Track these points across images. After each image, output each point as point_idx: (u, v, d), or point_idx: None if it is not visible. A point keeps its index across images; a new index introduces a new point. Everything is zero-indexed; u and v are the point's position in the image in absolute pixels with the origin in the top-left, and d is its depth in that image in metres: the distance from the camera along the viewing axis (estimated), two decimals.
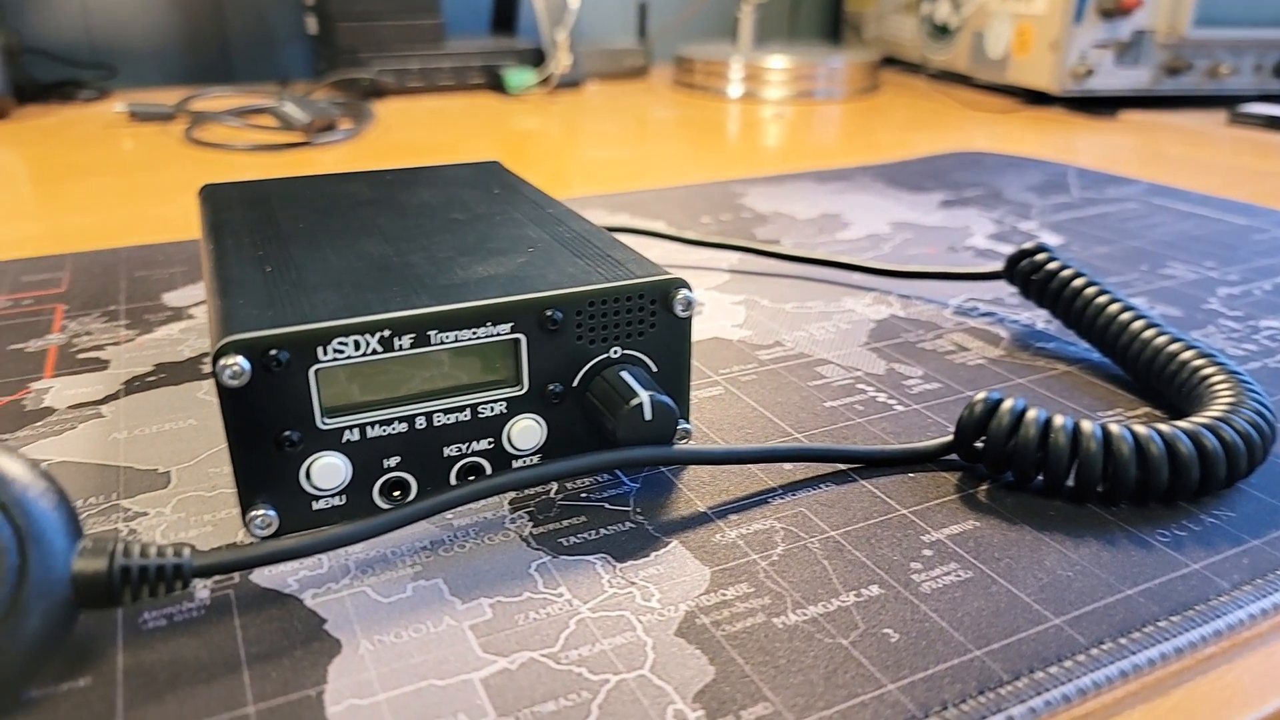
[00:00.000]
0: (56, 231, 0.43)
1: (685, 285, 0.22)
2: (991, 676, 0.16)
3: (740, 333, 0.31)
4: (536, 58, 0.83)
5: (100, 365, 0.28)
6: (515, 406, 0.21)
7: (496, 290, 0.21)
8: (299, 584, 0.19)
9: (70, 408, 0.26)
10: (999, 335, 0.31)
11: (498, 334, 0.21)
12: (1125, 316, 0.28)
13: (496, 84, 0.81)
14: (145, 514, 0.21)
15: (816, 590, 0.19)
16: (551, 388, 0.22)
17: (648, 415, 0.21)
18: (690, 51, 0.86)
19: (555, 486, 0.22)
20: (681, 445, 0.23)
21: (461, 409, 0.21)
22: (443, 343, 0.20)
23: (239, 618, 0.18)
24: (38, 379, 0.27)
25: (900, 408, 0.26)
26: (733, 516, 0.21)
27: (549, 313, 0.21)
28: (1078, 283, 0.30)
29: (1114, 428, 0.22)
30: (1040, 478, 0.22)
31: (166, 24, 0.85)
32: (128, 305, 0.33)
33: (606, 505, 0.22)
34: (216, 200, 0.29)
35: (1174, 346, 0.26)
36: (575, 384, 0.22)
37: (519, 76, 0.79)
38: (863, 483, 0.23)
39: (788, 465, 0.23)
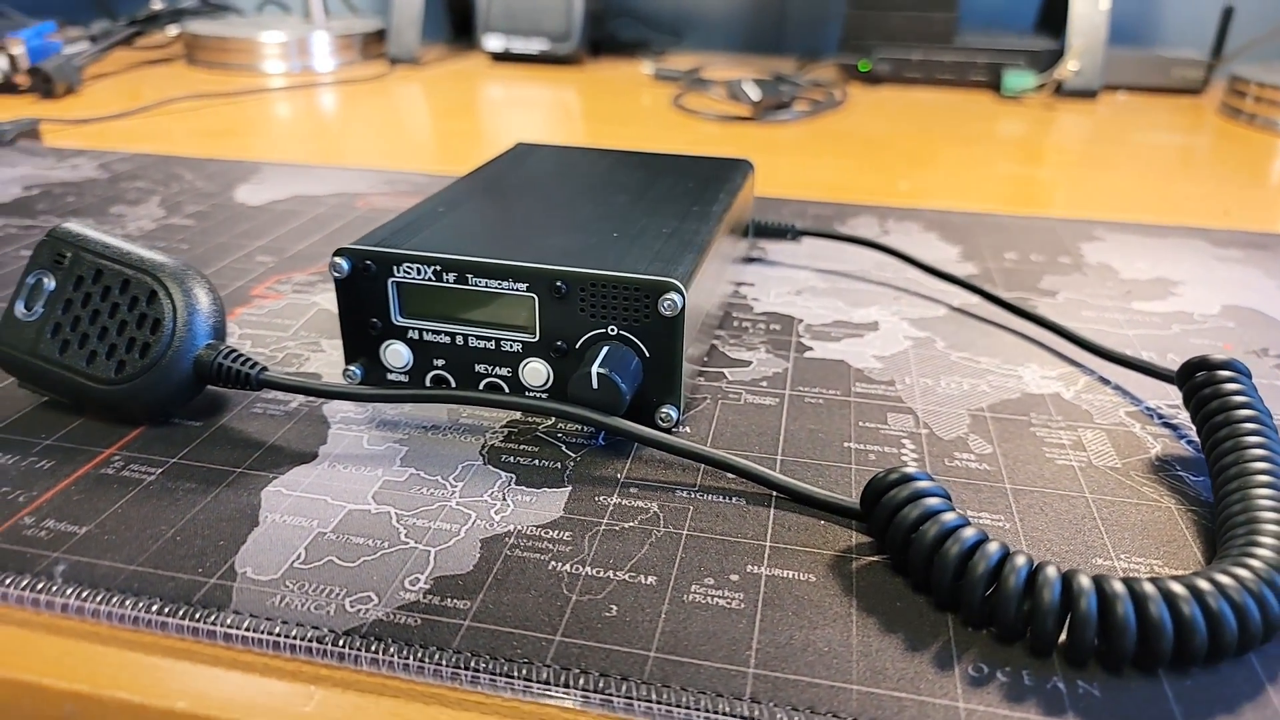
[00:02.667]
0: None
1: (676, 289, 0.25)
2: (636, 672, 0.19)
3: (870, 363, 0.32)
4: (1052, 60, 0.78)
5: None
6: (528, 350, 0.27)
7: (530, 257, 0.27)
8: (339, 419, 0.28)
9: None
10: (1146, 447, 0.27)
11: (517, 290, 0.27)
12: (1254, 465, 0.23)
13: (997, 84, 0.79)
14: (323, 351, 0.32)
15: (609, 560, 0.22)
16: (558, 343, 0.27)
17: (594, 385, 0.25)
18: (1246, 71, 0.73)
19: (550, 421, 0.28)
20: (637, 425, 0.27)
21: (489, 340, 0.27)
22: (476, 285, 0.27)
23: (291, 424, 0.27)
24: None
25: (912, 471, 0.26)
26: (634, 490, 0.25)
27: (558, 284, 0.26)
28: (1239, 413, 0.25)
29: (992, 545, 0.20)
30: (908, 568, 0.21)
31: None
32: None
33: (562, 447, 0.26)
34: (507, 154, 0.38)
35: (1262, 498, 0.21)
36: (578, 346, 0.27)
37: (1017, 79, 0.76)
38: (772, 510, 0.24)
39: (729, 474, 0.25)
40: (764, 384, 0.30)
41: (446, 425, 0.27)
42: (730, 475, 0.25)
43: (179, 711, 0.18)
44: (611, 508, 0.24)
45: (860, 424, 0.28)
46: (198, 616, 0.20)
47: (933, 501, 0.21)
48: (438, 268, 0.27)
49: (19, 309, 0.27)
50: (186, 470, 0.25)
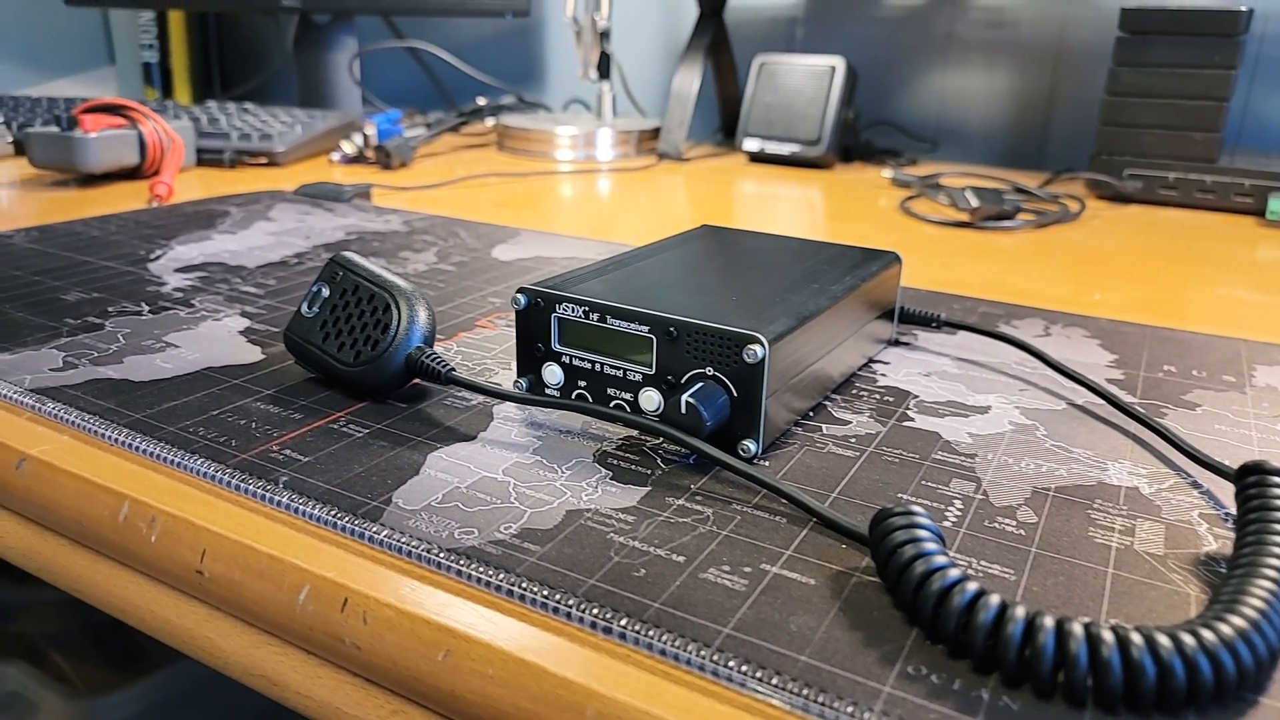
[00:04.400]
0: None
1: (759, 342, 0.31)
2: (638, 613, 0.24)
3: (962, 438, 0.35)
4: None
5: None
6: (645, 380, 0.34)
7: (654, 306, 0.33)
8: (502, 416, 0.36)
9: None
10: (1200, 544, 0.28)
11: (640, 330, 0.33)
12: (1267, 559, 0.24)
13: (1264, 208, 0.75)
14: (510, 370, 0.40)
15: (654, 540, 0.28)
16: (669, 377, 0.33)
17: (683, 410, 0.31)
18: None
19: (658, 441, 0.34)
20: (721, 452, 0.32)
21: (618, 369, 0.34)
22: (611, 325, 0.34)
23: (467, 414, 0.36)
24: None
25: (948, 524, 0.29)
26: (699, 497, 0.30)
27: (671, 329, 0.33)
28: (1274, 514, 0.26)
29: (954, 570, 0.23)
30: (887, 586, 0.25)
31: (1000, 111, 1.00)
32: None
33: (658, 460, 0.33)
34: (690, 231, 0.45)
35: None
36: (683, 381, 0.33)
37: None
38: (805, 531, 0.28)
39: (782, 499, 0.30)
40: (853, 440, 0.35)
41: (578, 432, 0.35)
42: (782, 501, 0.30)
43: (327, 578, 0.26)
44: (675, 506, 0.30)
45: (923, 483, 0.32)
46: (356, 523, 0.28)
47: (920, 533, 0.25)
48: (586, 308, 0.34)
49: (304, 308, 0.38)
50: (384, 434, 0.34)
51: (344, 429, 0.34)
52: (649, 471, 0.32)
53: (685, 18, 1.16)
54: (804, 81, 0.91)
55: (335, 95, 1.13)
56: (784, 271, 0.39)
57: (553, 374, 0.36)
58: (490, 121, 1.06)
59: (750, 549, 0.27)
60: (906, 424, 0.36)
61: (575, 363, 0.35)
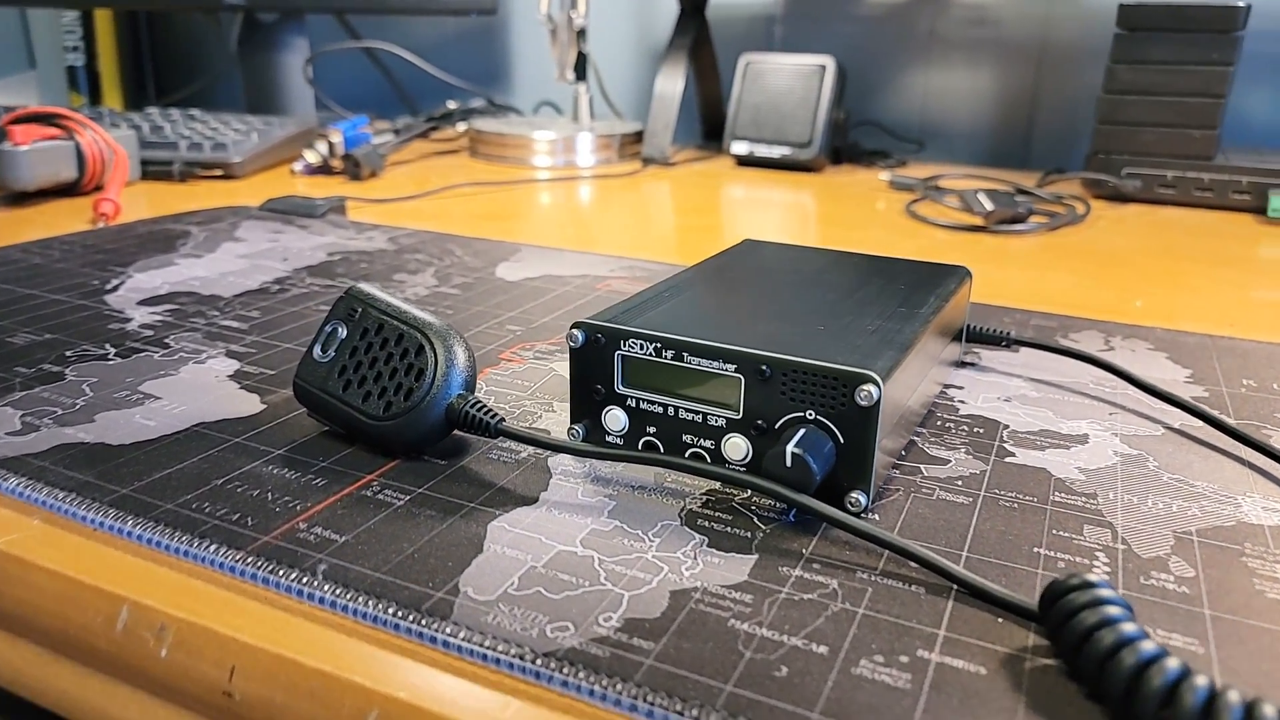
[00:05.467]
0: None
1: (873, 381, 0.27)
2: None
3: (1073, 475, 0.31)
4: None
5: None
6: (731, 426, 0.30)
7: (740, 341, 0.29)
8: (560, 471, 0.31)
9: None
10: None
11: (725, 369, 0.29)
12: None
13: (1263, 206, 0.74)
14: (554, 411, 0.35)
15: (785, 625, 0.23)
16: (759, 422, 0.29)
17: (787, 463, 0.27)
18: None
19: (745, 494, 0.30)
20: (831, 508, 0.28)
21: (697, 413, 0.30)
22: (690, 364, 0.30)
23: (519, 470, 0.31)
24: None
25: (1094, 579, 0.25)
26: (816, 565, 0.26)
27: (763, 367, 0.28)
28: None
29: (1171, 661, 0.20)
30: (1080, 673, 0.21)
31: (984, 110, 0.98)
32: None
33: (754, 518, 0.28)
34: (734, 248, 0.41)
35: None
36: (777, 426, 0.29)
37: None
38: (950, 602, 0.24)
39: (912, 563, 0.26)
40: (959, 483, 0.31)
41: (652, 487, 0.30)
42: (912, 564, 0.26)
43: (399, 699, 0.22)
44: (793, 579, 0.25)
45: (1054, 532, 0.28)
46: (424, 623, 0.23)
47: (1112, 610, 0.21)
48: (658, 345, 0.30)
49: (316, 351, 0.33)
50: (429, 500, 0.29)
51: (379, 496, 0.29)
52: (749, 534, 0.28)
53: (659, 15, 1.11)
54: (792, 82, 0.87)
55: (286, 100, 1.06)
56: (860, 293, 0.35)
57: (615, 419, 0.31)
58: (461, 126, 1.00)
59: (897, 630, 0.23)
60: (1009, 460, 0.32)
61: (643, 406, 0.31)
